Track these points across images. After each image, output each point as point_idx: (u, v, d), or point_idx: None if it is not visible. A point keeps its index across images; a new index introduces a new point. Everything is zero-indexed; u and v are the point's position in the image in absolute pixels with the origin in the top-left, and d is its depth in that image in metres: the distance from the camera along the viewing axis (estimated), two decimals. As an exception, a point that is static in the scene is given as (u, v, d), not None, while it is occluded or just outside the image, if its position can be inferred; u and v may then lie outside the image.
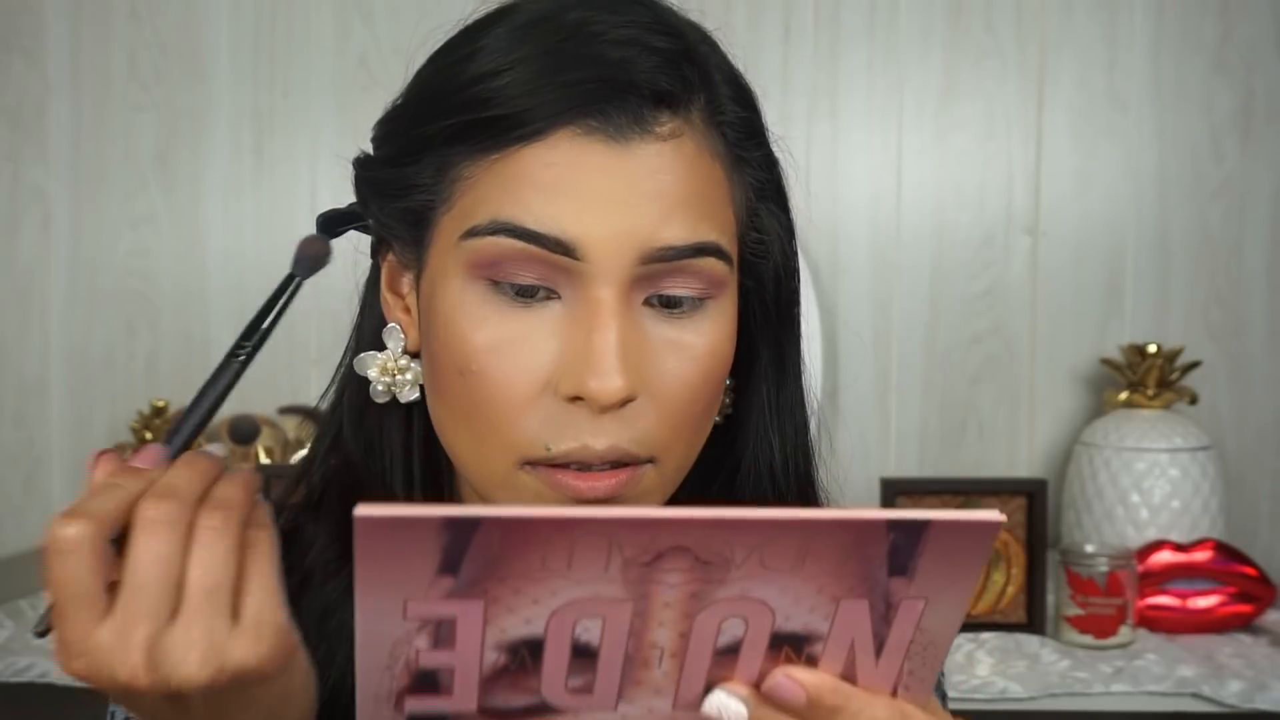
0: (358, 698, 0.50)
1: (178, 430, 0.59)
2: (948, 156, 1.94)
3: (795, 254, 0.72)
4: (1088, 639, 1.55)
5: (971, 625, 1.60)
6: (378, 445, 0.72)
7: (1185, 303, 1.93)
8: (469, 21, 0.69)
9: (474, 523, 0.45)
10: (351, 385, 0.73)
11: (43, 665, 1.47)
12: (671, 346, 0.64)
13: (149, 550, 0.52)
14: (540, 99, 0.62)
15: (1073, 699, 1.44)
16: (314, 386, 1.91)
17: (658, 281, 0.64)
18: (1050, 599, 1.62)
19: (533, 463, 0.64)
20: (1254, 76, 1.92)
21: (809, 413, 0.75)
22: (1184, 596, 1.62)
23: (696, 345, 0.65)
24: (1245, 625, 1.63)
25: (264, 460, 1.80)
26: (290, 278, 0.65)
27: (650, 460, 0.65)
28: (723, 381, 0.68)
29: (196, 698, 0.53)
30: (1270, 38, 1.91)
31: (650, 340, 0.64)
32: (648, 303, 0.64)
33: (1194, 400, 1.80)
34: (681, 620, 0.49)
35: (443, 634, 0.49)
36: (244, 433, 1.86)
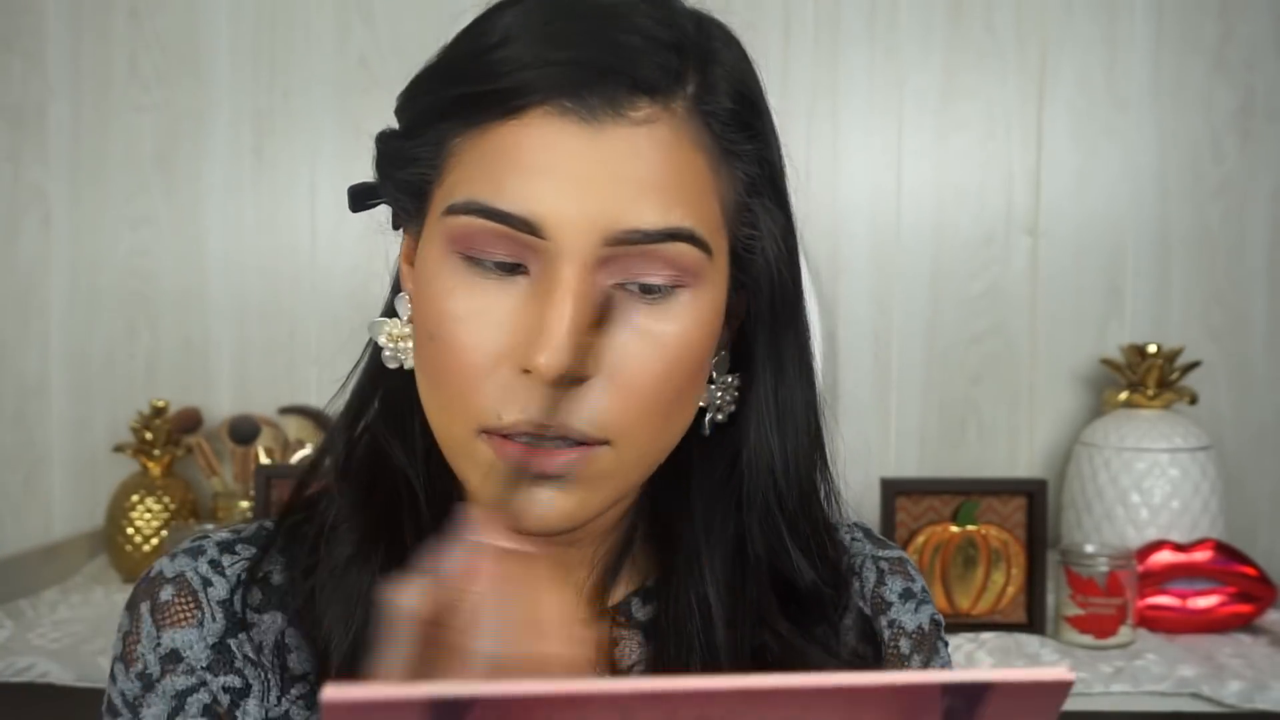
0: None
1: None
2: (948, 156, 1.94)
3: (794, 251, 0.72)
4: (1088, 639, 1.54)
5: (971, 625, 1.60)
6: (394, 409, 0.74)
7: (1185, 303, 1.93)
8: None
9: (464, 704, 0.39)
10: (371, 351, 0.75)
11: (43, 665, 1.46)
12: (637, 331, 0.65)
13: None
14: (524, 77, 0.63)
15: (1073, 699, 1.42)
16: (314, 386, 1.91)
17: (627, 266, 0.64)
18: (1050, 599, 1.62)
19: (488, 431, 0.65)
20: (1254, 76, 1.92)
21: (819, 414, 0.74)
22: (1184, 596, 1.62)
23: (665, 333, 0.65)
24: (1245, 625, 1.63)
25: (264, 460, 1.80)
26: None
27: (605, 443, 0.65)
28: (697, 372, 0.68)
29: None
30: (1270, 37, 1.91)
31: (614, 323, 0.64)
32: (622, 287, 0.65)
33: (1194, 400, 1.80)
34: None
35: None
36: (244, 433, 1.86)
